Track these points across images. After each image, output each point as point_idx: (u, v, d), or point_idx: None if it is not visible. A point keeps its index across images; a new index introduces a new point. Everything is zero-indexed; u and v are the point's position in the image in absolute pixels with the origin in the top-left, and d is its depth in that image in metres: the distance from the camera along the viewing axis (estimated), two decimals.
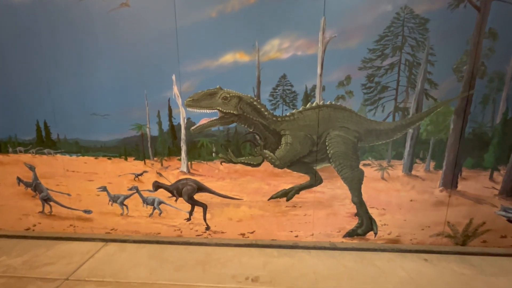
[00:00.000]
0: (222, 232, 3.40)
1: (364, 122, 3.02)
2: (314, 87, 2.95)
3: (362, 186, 3.17)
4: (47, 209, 3.47)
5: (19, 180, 3.40)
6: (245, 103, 3.02)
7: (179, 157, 3.23)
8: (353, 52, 2.86)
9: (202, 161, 3.22)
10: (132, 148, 3.23)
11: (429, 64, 2.84)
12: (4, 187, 3.43)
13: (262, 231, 3.37)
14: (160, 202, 3.37)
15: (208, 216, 3.37)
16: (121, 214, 3.43)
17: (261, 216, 3.33)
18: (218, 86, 2.99)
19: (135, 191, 3.34)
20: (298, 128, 3.05)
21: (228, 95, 2.98)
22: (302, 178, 3.21)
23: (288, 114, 3.04)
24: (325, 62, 2.88)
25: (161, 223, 3.44)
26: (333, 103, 2.98)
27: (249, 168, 3.21)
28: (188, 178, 3.27)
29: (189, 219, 3.40)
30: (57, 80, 3.10)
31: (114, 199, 3.39)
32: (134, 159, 3.26)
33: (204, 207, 3.34)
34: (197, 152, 3.19)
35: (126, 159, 3.26)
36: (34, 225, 3.53)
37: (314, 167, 3.16)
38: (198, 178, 3.28)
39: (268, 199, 3.28)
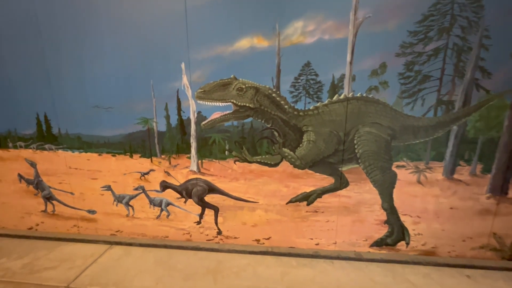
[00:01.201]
0: (235, 238, 3.10)
1: (399, 117, 2.61)
2: (342, 77, 2.55)
3: (395, 190, 2.78)
4: (50, 208, 3.26)
5: (21, 177, 3.20)
6: (263, 95, 2.66)
7: (188, 155, 2.93)
8: (390, 36, 2.44)
9: (214, 160, 2.90)
10: (137, 144, 2.94)
11: (482, 49, 2.39)
12: (6, 184, 3.24)
13: (279, 238, 3.05)
14: (168, 204, 3.10)
15: (219, 219, 3.07)
16: (127, 215, 3.18)
17: (278, 221, 3.00)
18: (232, 76, 2.64)
19: (141, 191, 3.08)
20: (322, 124, 2.68)
21: (243, 86, 2.63)
22: (326, 181, 2.85)
23: (311, 107, 2.67)
24: (356, 47, 2.48)
25: (169, 225, 3.17)
26: (364, 95, 2.58)
27: (265, 168, 2.87)
28: (198, 178, 2.97)
29: (199, 223, 3.11)
30: (57, 69, 2.83)
31: (119, 199, 3.14)
32: (140, 157, 2.98)
33: (216, 210, 3.04)
34: (208, 150, 2.88)
35: (131, 156, 2.99)
36: (37, 224, 3.34)
37: (340, 168, 2.79)
38: (209, 178, 2.97)
39: (287, 203, 2.94)
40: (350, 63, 2.51)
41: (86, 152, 3.03)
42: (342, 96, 2.59)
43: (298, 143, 2.76)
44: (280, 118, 2.71)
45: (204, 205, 3.04)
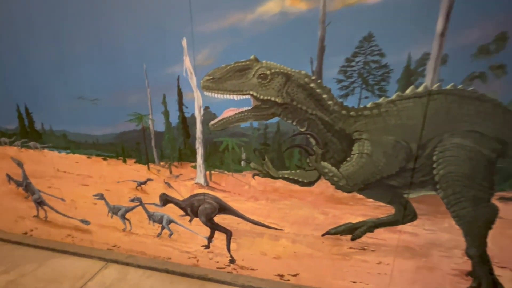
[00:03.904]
0: (252, 269, 2.42)
1: None
2: (425, 57, 1.61)
3: (492, 232, 1.83)
4: (41, 213, 2.83)
5: (9, 177, 2.78)
6: (296, 85, 1.82)
7: (193, 164, 2.23)
8: None
9: (226, 172, 2.17)
10: (131, 146, 2.31)
11: None
12: None
13: (309, 276, 2.30)
14: (170, 221, 2.47)
15: (233, 246, 2.39)
16: (123, 230, 2.63)
17: (310, 256, 2.23)
18: (252, 57, 1.83)
19: (139, 203, 2.48)
20: (385, 130, 1.79)
21: (268, 72, 1.81)
22: (381, 210, 1.99)
23: (369, 105, 1.78)
24: (455, 7, 1.50)
25: (172, 246, 2.57)
26: (460, 87, 1.62)
27: (295, 187, 2.07)
28: (206, 193, 2.28)
29: (207, 247, 2.46)
30: (32, 50, 2.23)
31: (114, 210, 2.59)
32: (134, 162, 2.36)
33: (228, 233, 2.36)
34: (218, 158, 2.15)
35: (124, 161, 2.38)
36: (31, 230, 2.96)
37: (406, 195, 1.90)
38: (220, 195, 2.27)
39: (323, 234, 2.15)
40: (442, 34, 1.55)
41: (74, 153, 2.47)
42: (421, 88, 1.66)
43: (345, 155, 1.91)
44: (320, 119, 1.86)
45: (213, 226, 2.37)
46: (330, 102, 1.82)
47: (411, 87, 1.68)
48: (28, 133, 2.52)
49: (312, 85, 1.81)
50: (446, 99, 1.65)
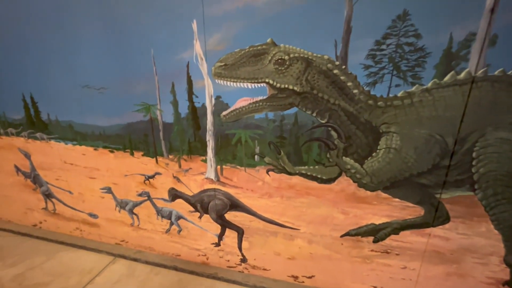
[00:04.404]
0: (265, 269, 2.29)
1: None
2: (470, 39, 1.39)
3: None
4: (50, 206, 2.78)
5: (17, 168, 2.73)
6: (318, 71, 1.64)
7: (204, 157, 2.09)
8: None
9: (238, 167, 2.03)
10: (139, 138, 2.19)
11: None
12: (4, 175, 2.82)
13: (325, 278, 2.15)
14: (179, 217, 2.37)
15: (245, 244, 2.26)
16: (131, 225, 2.55)
17: (327, 257, 2.08)
18: (269, 40, 1.65)
19: (147, 198, 2.38)
20: (417, 122, 1.60)
21: (286, 57, 1.64)
22: (410, 211, 1.81)
23: (400, 94, 1.58)
24: None
25: (181, 243, 2.47)
26: (509, 72, 1.40)
27: (313, 184, 1.91)
28: (217, 189, 2.15)
29: (217, 244, 2.35)
30: (35, 36, 2.13)
31: (121, 204, 2.50)
32: (142, 155, 2.25)
33: (240, 231, 2.23)
34: (231, 152, 2.01)
35: (132, 154, 2.27)
36: (40, 222, 2.92)
37: (438, 195, 1.71)
38: (231, 191, 2.13)
39: (343, 235, 1.99)
40: (492, 10, 1.33)
41: (80, 145, 2.38)
42: (463, 75, 1.45)
43: (370, 150, 1.73)
44: (343, 110, 1.68)
45: (224, 224, 2.24)
46: (355, 91, 1.63)
47: (451, 73, 1.47)
48: (34, 124, 2.44)
49: (335, 71, 1.62)
50: (493, 87, 1.44)
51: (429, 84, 1.52)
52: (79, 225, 2.77)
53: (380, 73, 1.57)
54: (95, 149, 2.36)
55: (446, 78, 1.48)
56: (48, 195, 2.73)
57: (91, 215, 2.66)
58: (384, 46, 1.51)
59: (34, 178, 2.70)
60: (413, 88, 1.55)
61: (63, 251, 2.71)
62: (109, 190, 2.47)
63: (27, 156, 2.62)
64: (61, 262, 2.56)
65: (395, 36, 1.48)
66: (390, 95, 1.60)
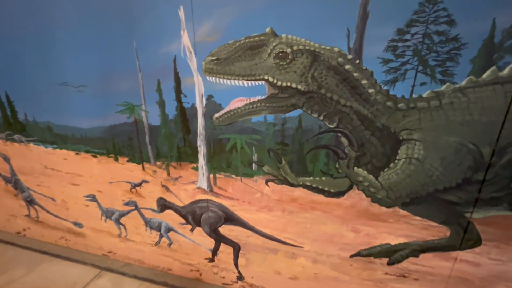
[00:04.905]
0: None
1: None
2: None
3: None
4: (33, 213, 2.58)
5: None
6: (326, 66, 1.38)
7: (195, 164, 1.85)
8: None
9: (234, 176, 1.78)
10: (123, 142, 1.96)
11: None
12: None
13: None
14: (169, 229, 2.14)
15: (241, 261, 2.02)
16: (119, 235, 2.33)
17: (334, 279, 1.84)
18: (268, 29, 1.39)
19: (134, 207, 2.15)
20: (446, 128, 1.33)
21: (288, 50, 1.37)
22: (432, 231, 1.54)
23: (426, 94, 1.31)
24: None
25: (172, 256, 2.24)
26: None
27: (320, 197, 1.66)
28: (210, 200, 1.91)
29: (212, 260, 2.11)
30: (9, 29, 1.89)
31: (107, 214, 2.28)
32: (127, 161, 2.01)
33: (236, 247, 1.99)
34: (225, 159, 1.76)
35: (116, 159, 2.04)
36: (24, 230, 2.73)
37: (468, 214, 1.45)
38: (226, 203, 1.89)
39: (352, 255, 1.74)
40: None
41: (61, 148, 2.16)
42: (507, 71, 1.17)
43: (387, 160, 1.47)
44: (356, 113, 1.42)
45: (218, 238, 2.01)
46: (371, 90, 1.37)
47: (492, 69, 1.19)
48: (11, 125, 2.23)
49: (347, 67, 1.36)
50: None
51: (464, 82, 1.24)
52: (64, 234, 2.56)
53: (402, 69, 1.30)
54: (76, 154, 2.13)
55: (486, 75, 1.20)
56: (30, 202, 2.52)
57: (76, 224, 2.45)
58: (408, 36, 1.24)
59: (15, 183, 2.49)
60: (443, 87, 1.28)
61: (46, 262, 2.50)
62: (93, 198, 2.25)
63: (7, 159, 2.41)
64: (43, 276, 2.36)
65: (422, 23, 1.21)
66: (414, 96, 1.33)
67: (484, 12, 1.13)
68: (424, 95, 1.31)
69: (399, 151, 1.43)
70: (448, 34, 1.19)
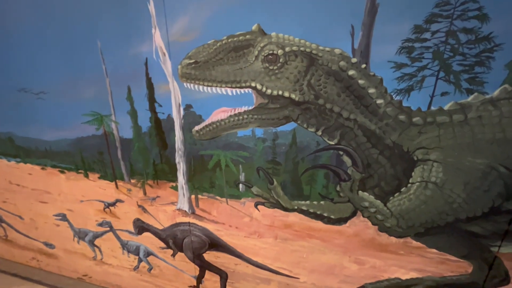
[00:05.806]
0: None
1: None
2: None
3: None
4: (0, 231, 2.32)
5: None
6: (325, 72, 1.14)
7: (174, 183, 1.60)
8: None
9: (218, 197, 1.54)
10: (93, 157, 1.71)
11: None
12: None
13: None
14: (149, 253, 1.90)
15: None
16: (94, 258, 2.08)
17: None
18: (255, 27, 1.14)
19: (109, 228, 1.90)
20: (470, 147, 1.09)
21: (279, 51, 1.12)
22: (451, 266, 1.31)
23: (448, 106, 1.07)
24: None
25: (153, 282, 2.00)
26: None
27: (317, 224, 1.42)
28: (192, 223, 1.67)
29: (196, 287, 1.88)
30: None
31: (80, 235, 2.04)
32: (99, 177, 1.76)
33: (223, 275, 1.75)
34: (207, 178, 1.51)
35: (86, 176, 1.79)
36: None
37: (496, 248, 1.21)
38: (210, 227, 1.65)
39: None
40: None
41: (25, 162, 1.91)
42: None
43: (398, 183, 1.23)
44: (361, 128, 1.18)
45: (203, 265, 1.77)
46: (380, 101, 1.12)
47: None
48: None
49: (351, 72, 1.11)
50: None
51: (496, 92, 1.00)
52: (35, 255, 2.32)
53: (419, 76, 1.05)
54: (42, 168, 1.88)
55: None
56: None
57: (46, 244, 2.21)
58: (427, 35, 1.00)
59: None
60: (470, 98, 1.04)
61: (16, 285, 2.26)
62: (64, 217, 2.01)
63: None
64: None
65: (446, 19, 0.96)
66: (433, 108, 1.09)
67: None
68: (446, 107, 1.07)
69: (413, 173, 1.19)
70: (478, 32, 0.95)
